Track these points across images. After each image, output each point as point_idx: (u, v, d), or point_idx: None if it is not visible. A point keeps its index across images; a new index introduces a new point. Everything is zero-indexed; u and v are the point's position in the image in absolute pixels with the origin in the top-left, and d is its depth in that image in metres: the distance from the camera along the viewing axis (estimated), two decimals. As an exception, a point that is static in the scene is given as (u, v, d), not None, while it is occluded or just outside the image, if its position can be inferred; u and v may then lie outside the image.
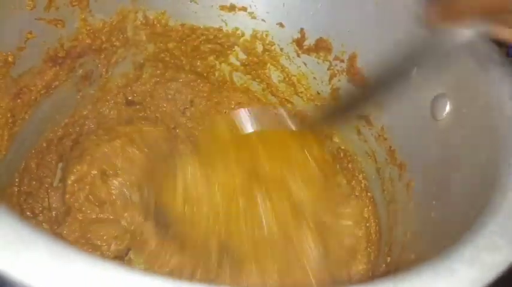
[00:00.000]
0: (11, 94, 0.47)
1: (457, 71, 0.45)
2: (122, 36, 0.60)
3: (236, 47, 0.67)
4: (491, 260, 0.26)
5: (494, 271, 0.25)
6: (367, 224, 0.57)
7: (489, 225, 0.28)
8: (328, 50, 0.60)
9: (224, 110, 0.69)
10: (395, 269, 0.46)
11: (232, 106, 0.70)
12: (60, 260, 0.21)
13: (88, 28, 0.56)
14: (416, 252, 0.43)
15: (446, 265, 0.25)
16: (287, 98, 0.68)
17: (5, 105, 0.46)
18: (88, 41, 0.56)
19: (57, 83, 0.55)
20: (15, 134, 0.50)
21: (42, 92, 0.53)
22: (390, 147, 0.55)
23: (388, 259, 0.49)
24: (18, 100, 0.49)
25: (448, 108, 0.46)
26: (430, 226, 0.43)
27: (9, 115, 0.47)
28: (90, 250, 0.49)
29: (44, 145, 0.57)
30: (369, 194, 0.59)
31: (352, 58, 0.58)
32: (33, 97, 0.51)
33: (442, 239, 0.40)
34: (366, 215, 0.58)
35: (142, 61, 0.65)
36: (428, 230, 0.43)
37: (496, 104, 0.40)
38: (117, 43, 0.60)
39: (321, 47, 0.61)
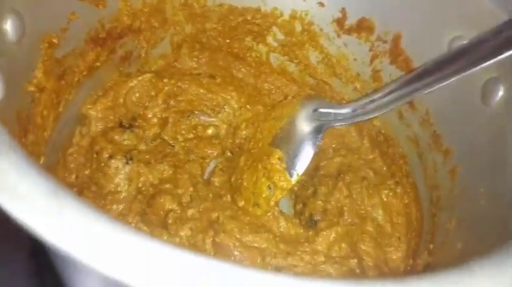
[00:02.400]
0: (55, 75, 0.48)
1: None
2: (160, 17, 0.60)
3: (274, 27, 0.65)
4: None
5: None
6: (407, 211, 0.56)
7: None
8: (371, 30, 0.58)
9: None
10: (440, 257, 0.45)
11: (273, 91, 0.69)
12: (119, 235, 0.21)
13: (128, 9, 0.56)
14: (464, 241, 0.42)
15: (495, 263, 0.24)
16: (325, 79, 0.66)
17: (50, 87, 0.46)
18: (128, 21, 0.56)
19: (98, 64, 0.56)
20: (59, 114, 0.51)
21: (84, 73, 0.53)
22: (435, 131, 0.53)
23: (431, 246, 0.48)
24: (62, 81, 0.49)
25: (501, 93, 0.44)
26: (479, 214, 0.41)
27: (54, 96, 0.48)
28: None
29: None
30: (410, 179, 0.58)
31: (396, 39, 0.56)
32: (76, 78, 0.52)
33: (492, 229, 0.38)
34: (407, 201, 0.57)
35: (180, 42, 0.65)
36: (477, 219, 0.42)
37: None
38: (156, 24, 0.60)
39: (363, 27, 0.59)
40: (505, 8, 0.45)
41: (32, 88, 0.44)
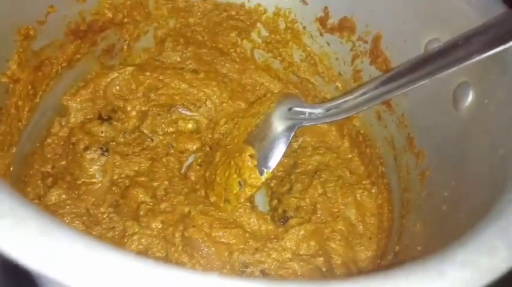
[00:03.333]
0: (32, 67, 0.48)
1: (484, 59, 0.42)
2: (143, 10, 0.60)
3: (258, 24, 0.65)
4: (487, 264, 0.25)
5: (488, 274, 0.25)
6: (380, 211, 0.56)
7: (491, 227, 0.27)
8: (352, 30, 0.58)
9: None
10: (401, 259, 0.45)
11: (257, 88, 0.70)
12: (48, 236, 0.22)
13: (109, 2, 0.56)
14: (423, 244, 0.42)
15: (437, 266, 0.25)
16: (308, 78, 0.67)
17: (25, 78, 0.47)
18: (109, 15, 0.57)
19: (79, 56, 0.56)
20: (36, 105, 0.51)
21: (63, 65, 0.54)
22: (409, 134, 0.54)
23: (397, 248, 0.49)
24: (39, 72, 0.50)
25: (470, 98, 0.44)
26: (440, 218, 0.42)
27: (30, 87, 0.49)
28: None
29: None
30: (384, 180, 0.58)
31: (376, 39, 0.56)
32: (54, 69, 0.53)
33: (451, 234, 0.39)
34: (380, 202, 0.57)
35: (163, 36, 0.65)
36: (438, 223, 0.42)
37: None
38: (139, 17, 0.60)
39: (344, 26, 0.59)
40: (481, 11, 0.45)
41: (5, 79, 0.44)
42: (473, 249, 0.26)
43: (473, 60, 0.41)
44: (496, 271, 0.25)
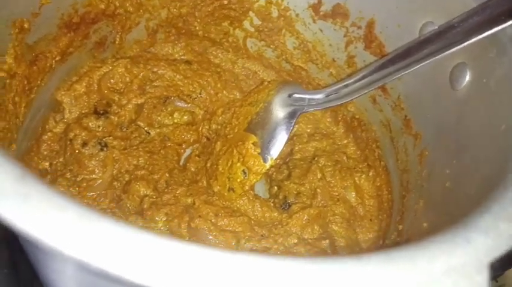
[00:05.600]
0: (27, 61, 0.47)
1: (481, 40, 0.43)
2: (135, 1, 0.59)
3: (251, 12, 0.65)
4: (507, 229, 0.26)
5: (510, 239, 0.26)
6: (379, 193, 0.58)
7: (506, 195, 0.29)
8: (345, 16, 0.59)
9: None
10: (407, 237, 0.47)
11: (250, 77, 0.70)
12: (85, 221, 0.22)
13: (102, -7, 0.55)
14: (429, 221, 0.43)
15: (463, 233, 0.26)
16: (301, 65, 0.67)
17: (21, 72, 0.46)
18: (102, 6, 0.56)
19: (71, 49, 0.55)
20: (32, 101, 0.50)
21: (57, 59, 0.53)
22: (406, 116, 0.55)
23: (400, 226, 0.50)
24: (34, 67, 0.49)
25: (467, 78, 0.45)
26: (444, 195, 0.43)
27: (25, 82, 0.47)
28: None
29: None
30: (382, 163, 0.59)
31: (370, 25, 0.57)
32: (48, 64, 0.51)
33: (456, 208, 0.40)
34: (379, 184, 0.58)
35: (155, 27, 0.64)
36: (442, 199, 0.43)
37: (516, 74, 0.39)
38: (131, 8, 0.59)
39: (337, 12, 0.60)
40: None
41: (2, 74, 0.43)
42: (493, 216, 0.27)
43: (471, 41, 0.42)
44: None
